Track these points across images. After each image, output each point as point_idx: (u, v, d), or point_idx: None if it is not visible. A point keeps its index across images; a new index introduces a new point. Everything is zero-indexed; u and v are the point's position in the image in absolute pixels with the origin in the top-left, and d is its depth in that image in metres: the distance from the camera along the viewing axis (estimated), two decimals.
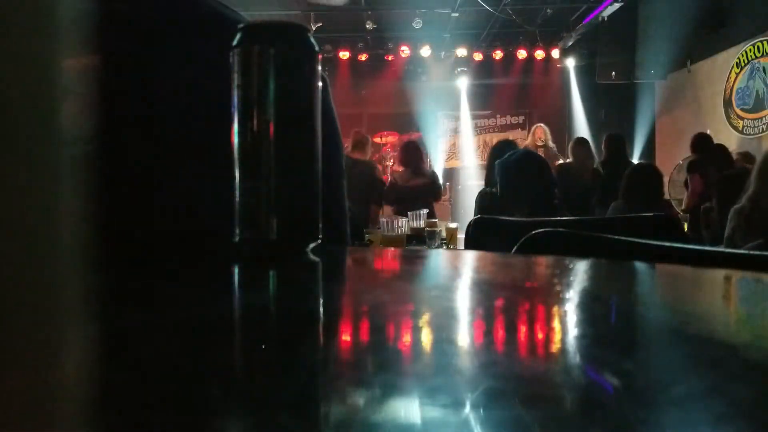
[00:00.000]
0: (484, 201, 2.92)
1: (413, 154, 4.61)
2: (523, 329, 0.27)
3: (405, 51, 8.33)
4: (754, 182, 2.21)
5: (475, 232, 1.54)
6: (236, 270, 0.46)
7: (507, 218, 1.68)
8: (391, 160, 7.51)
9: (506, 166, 2.36)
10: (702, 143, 4.87)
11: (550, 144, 5.73)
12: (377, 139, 7.97)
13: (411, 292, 0.39)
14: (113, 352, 0.21)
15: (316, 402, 0.18)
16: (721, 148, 4.81)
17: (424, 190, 4.44)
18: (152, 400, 0.17)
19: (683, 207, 4.63)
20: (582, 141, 4.97)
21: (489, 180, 3.49)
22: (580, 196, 4.27)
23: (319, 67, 0.52)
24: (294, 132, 0.50)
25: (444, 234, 3.31)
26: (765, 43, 5.91)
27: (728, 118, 6.39)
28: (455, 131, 9.23)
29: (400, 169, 4.76)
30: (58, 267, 0.13)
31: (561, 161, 5.61)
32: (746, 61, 6.15)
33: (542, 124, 5.94)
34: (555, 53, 8.37)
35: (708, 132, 5.47)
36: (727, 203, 2.98)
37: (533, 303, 0.33)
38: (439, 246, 3.10)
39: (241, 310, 0.31)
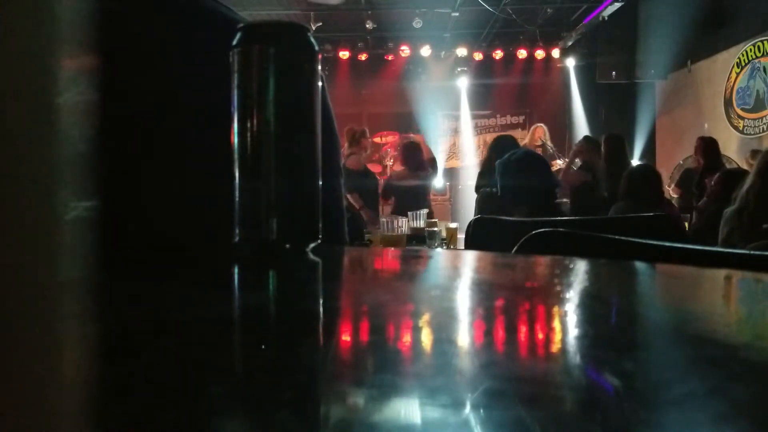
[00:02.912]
0: (484, 201, 2.93)
1: (412, 153, 4.63)
2: (523, 329, 0.27)
3: (405, 51, 8.33)
4: (757, 179, 2.20)
5: (475, 232, 1.54)
6: (236, 270, 0.46)
7: (507, 218, 1.68)
8: (391, 160, 7.51)
9: (506, 165, 2.36)
10: (711, 147, 4.88)
11: (549, 144, 5.73)
12: (377, 139, 7.97)
13: (411, 292, 0.39)
14: (113, 353, 0.21)
15: (316, 402, 0.18)
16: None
17: (418, 186, 4.47)
18: (152, 401, 0.17)
19: (699, 208, 4.61)
20: (592, 140, 4.94)
21: (482, 179, 3.51)
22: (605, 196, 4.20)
23: (319, 67, 0.52)
24: (294, 132, 0.50)
25: (444, 234, 3.31)
26: (765, 42, 5.90)
27: (729, 117, 6.39)
28: (455, 131, 9.23)
29: (400, 167, 4.77)
30: (57, 267, 0.13)
31: (559, 162, 5.59)
32: (746, 61, 6.15)
33: (542, 124, 5.94)
34: (555, 53, 8.36)
35: (706, 127, 5.45)
36: (723, 201, 2.98)
37: (533, 303, 0.33)
38: (439, 246, 3.10)
39: (240, 310, 0.31)
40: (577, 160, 4.82)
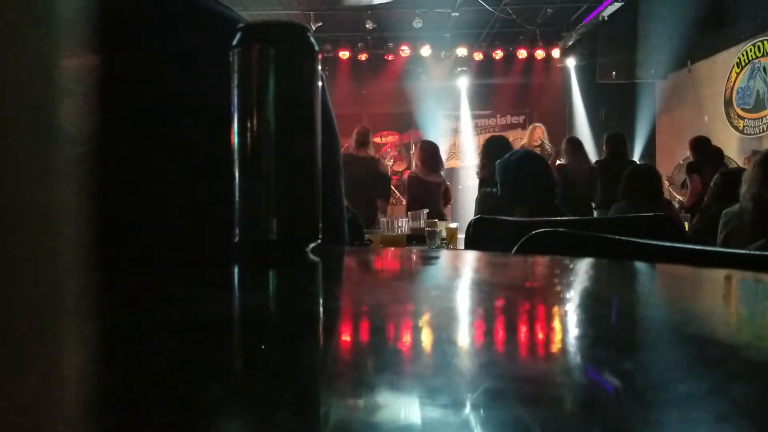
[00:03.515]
0: (484, 201, 2.93)
1: (433, 153, 4.69)
2: (523, 329, 0.27)
3: (405, 51, 8.33)
4: (756, 182, 2.20)
5: (475, 232, 1.54)
6: (236, 270, 0.46)
7: (507, 218, 1.68)
8: (391, 160, 7.52)
9: (506, 166, 2.36)
10: (702, 145, 4.89)
11: (547, 144, 5.73)
12: (377, 139, 7.97)
13: (411, 292, 0.39)
14: (113, 352, 0.21)
15: (316, 402, 0.18)
16: (718, 150, 4.85)
17: (439, 187, 4.54)
18: (152, 400, 0.17)
19: (685, 206, 4.63)
20: (572, 140, 4.95)
21: (484, 175, 3.53)
22: (577, 197, 4.24)
23: (319, 67, 0.52)
24: (294, 132, 0.50)
25: (444, 234, 3.31)
26: (765, 42, 5.91)
27: (729, 117, 6.40)
28: (455, 131, 9.23)
29: (419, 165, 4.79)
30: (58, 267, 0.13)
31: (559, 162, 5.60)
32: (747, 61, 6.15)
33: (540, 124, 5.95)
34: (555, 53, 8.37)
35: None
36: (724, 201, 2.99)
37: (533, 303, 0.33)
38: (439, 246, 3.10)
39: (240, 310, 0.31)
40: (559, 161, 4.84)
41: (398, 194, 6.21)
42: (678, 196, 5.22)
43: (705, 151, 4.84)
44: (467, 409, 0.16)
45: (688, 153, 5.45)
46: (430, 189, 4.47)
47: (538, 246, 0.80)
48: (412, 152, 6.45)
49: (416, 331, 0.26)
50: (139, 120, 0.60)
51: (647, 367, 0.21)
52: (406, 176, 5.31)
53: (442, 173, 4.88)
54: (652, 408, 0.16)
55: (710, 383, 0.19)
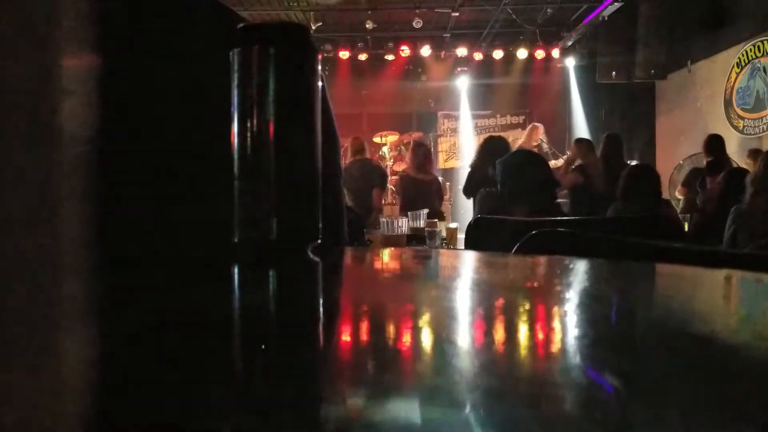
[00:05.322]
0: (484, 201, 2.93)
1: (423, 153, 4.73)
2: (523, 329, 0.27)
3: (405, 51, 8.33)
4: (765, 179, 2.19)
5: (475, 232, 1.54)
6: (236, 270, 0.46)
7: (507, 218, 1.68)
8: (391, 160, 7.52)
9: (506, 165, 2.36)
10: (717, 144, 4.88)
11: (545, 144, 5.74)
12: (377, 139, 7.96)
13: (411, 292, 0.39)
14: (113, 352, 0.21)
15: (316, 402, 0.18)
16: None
17: (431, 185, 4.58)
18: (152, 400, 0.17)
19: (700, 207, 4.59)
20: (585, 141, 4.93)
21: (471, 182, 3.54)
22: (599, 195, 4.20)
23: (319, 67, 0.52)
24: (294, 132, 0.50)
25: (444, 234, 3.31)
26: (765, 42, 5.90)
27: (729, 117, 6.39)
28: (455, 131, 9.23)
29: (409, 164, 4.84)
30: (58, 267, 0.13)
31: (557, 161, 5.59)
32: (746, 61, 6.14)
33: (539, 124, 5.95)
34: (555, 53, 8.36)
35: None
36: (725, 201, 2.98)
37: (533, 303, 0.33)
38: (440, 246, 3.10)
39: (240, 310, 0.31)
40: (576, 162, 4.81)
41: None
42: (680, 196, 5.19)
43: (720, 151, 4.83)
44: (467, 409, 0.16)
45: (687, 153, 5.44)
46: (423, 188, 4.52)
47: (538, 246, 0.80)
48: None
49: (416, 331, 0.26)
50: (139, 120, 0.60)
51: (647, 367, 0.21)
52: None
53: (435, 172, 4.93)
54: (652, 408, 0.16)
55: (710, 383, 0.19)
